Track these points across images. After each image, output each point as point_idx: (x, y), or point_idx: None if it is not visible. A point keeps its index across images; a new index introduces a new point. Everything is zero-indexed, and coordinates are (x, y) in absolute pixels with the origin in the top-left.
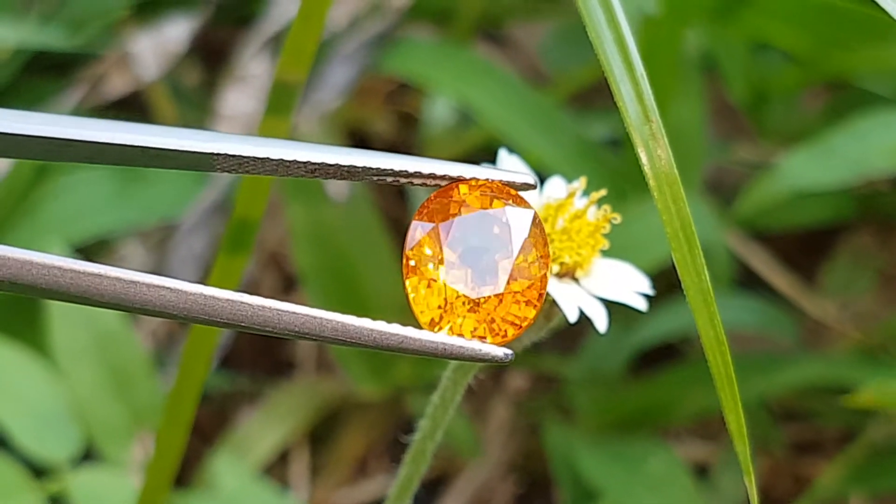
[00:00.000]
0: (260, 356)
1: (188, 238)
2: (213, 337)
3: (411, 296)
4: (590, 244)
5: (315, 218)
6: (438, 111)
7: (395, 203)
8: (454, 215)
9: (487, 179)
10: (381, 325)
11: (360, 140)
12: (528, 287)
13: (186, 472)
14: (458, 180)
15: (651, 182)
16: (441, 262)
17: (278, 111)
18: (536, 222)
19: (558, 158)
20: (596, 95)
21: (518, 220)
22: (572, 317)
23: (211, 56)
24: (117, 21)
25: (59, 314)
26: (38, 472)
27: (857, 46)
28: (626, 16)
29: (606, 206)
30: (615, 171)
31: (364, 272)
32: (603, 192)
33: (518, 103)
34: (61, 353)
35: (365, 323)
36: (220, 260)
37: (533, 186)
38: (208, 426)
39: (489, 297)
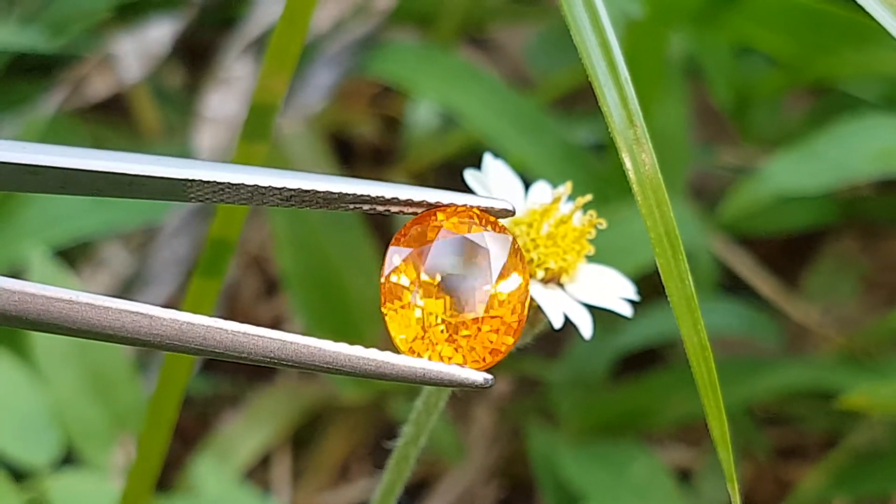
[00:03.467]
0: None
1: (171, 241)
2: None
3: (389, 322)
4: (575, 249)
5: (298, 221)
6: (422, 114)
7: None
8: (432, 241)
9: (465, 206)
10: (358, 351)
11: (343, 143)
12: (508, 314)
13: (168, 476)
14: (436, 206)
15: (635, 187)
16: (419, 289)
17: (255, 135)
18: (515, 248)
19: (542, 162)
20: (580, 99)
21: (497, 247)
22: (557, 323)
23: (194, 58)
24: (99, 23)
25: None
26: (19, 475)
27: (840, 50)
28: (611, 19)
29: (592, 212)
30: (599, 175)
31: (346, 275)
32: (588, 198)
33: (502, 107)
34: (42, 357)
35: (342, 348)
36: (194, 283)
37: (512, 213)
38: (190, 430)
39: (468, 324)
